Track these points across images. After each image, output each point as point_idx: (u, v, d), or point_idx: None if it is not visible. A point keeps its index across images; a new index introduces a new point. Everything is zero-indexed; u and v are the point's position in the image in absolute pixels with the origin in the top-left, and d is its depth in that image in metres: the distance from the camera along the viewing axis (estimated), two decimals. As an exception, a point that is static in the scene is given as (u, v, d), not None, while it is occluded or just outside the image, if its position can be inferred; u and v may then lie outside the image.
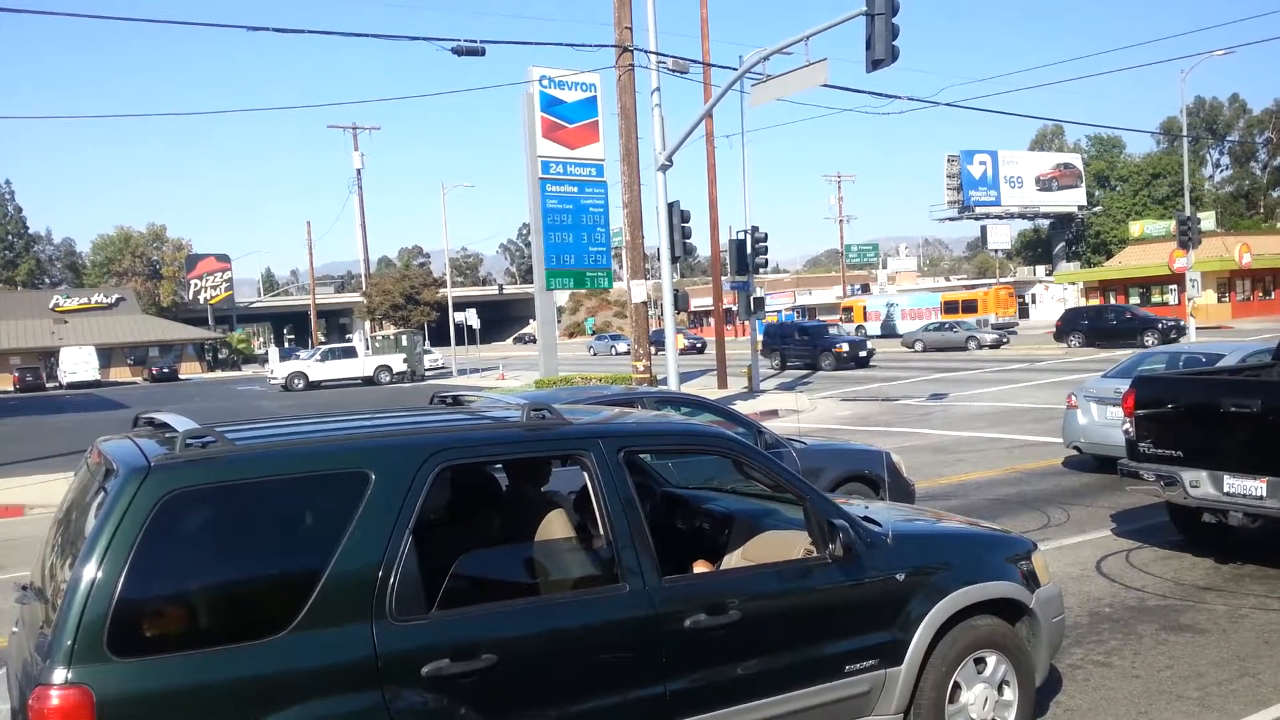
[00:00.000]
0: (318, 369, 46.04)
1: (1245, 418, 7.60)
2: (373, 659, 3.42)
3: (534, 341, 48.79)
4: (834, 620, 4.40)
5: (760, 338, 33.84)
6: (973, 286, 73.64)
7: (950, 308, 60.53)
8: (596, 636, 3.88)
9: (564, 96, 26.81)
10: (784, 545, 4.64)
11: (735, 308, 30.00)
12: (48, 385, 61.56)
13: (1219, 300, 55.60)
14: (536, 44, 46.41)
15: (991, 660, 4.74)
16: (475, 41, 18.18)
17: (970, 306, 59.13)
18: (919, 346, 48.00)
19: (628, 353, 23.69)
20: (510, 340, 48.76)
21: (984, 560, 4.92)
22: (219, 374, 71.62)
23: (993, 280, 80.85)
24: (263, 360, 73.93)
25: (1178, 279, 38.28)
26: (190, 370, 71.25)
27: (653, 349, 26.21)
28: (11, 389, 60.09)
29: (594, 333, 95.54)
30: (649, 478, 5.93)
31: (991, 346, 44.43)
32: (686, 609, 4.01)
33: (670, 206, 20.75)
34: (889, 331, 63.11)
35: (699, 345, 57.41)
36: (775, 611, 4.28)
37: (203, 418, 3.95)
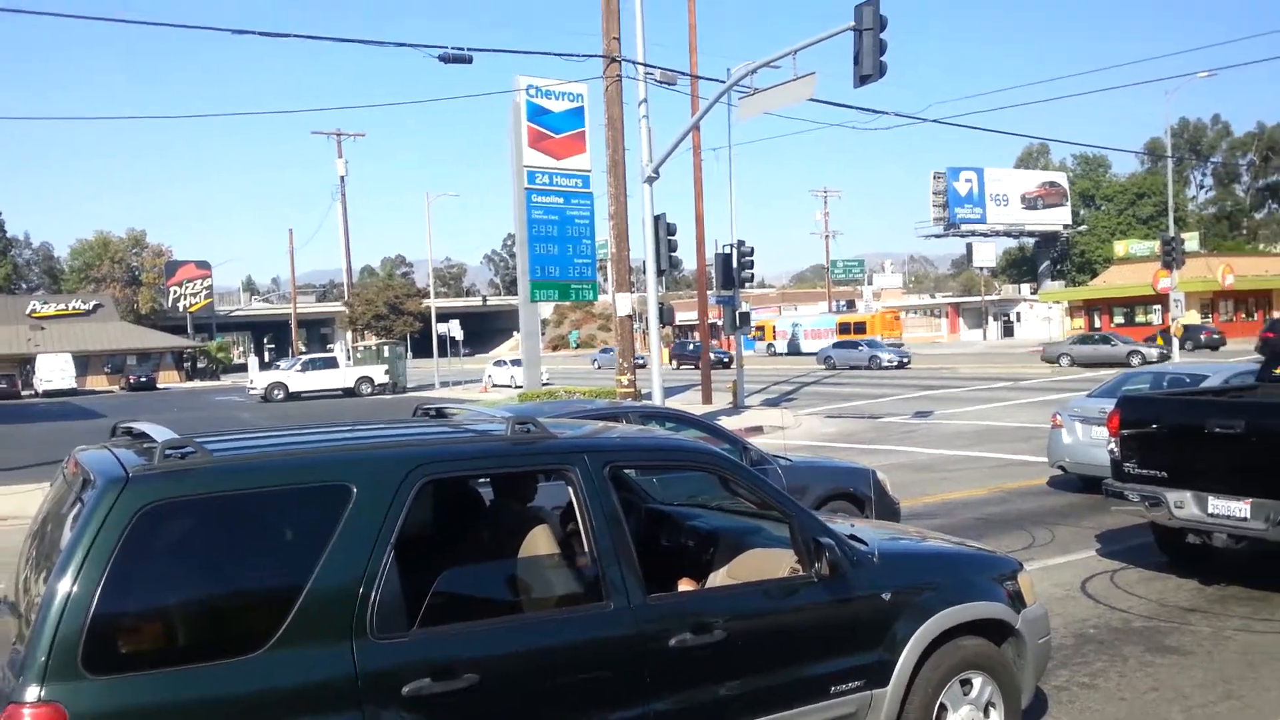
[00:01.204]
0: (298, 379, 45.72)
1: (1229, 439, 7.62)
2: (352, 678, 3.35)
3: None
4: (820, 640, 4.35)
5: (728, 354, 32.37)
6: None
7: (844, 328, 67.89)
8: (580, 655, 3.82)
9: (551, 106, 26.80)
10: (770, 563, 4.59)
11: (720, 321, 29.98)
12: (23, 393, 60.88)
13: (1203, 320, 56.06)
14: (524, 53, 46.40)
15: (978, 681, 4.70)
16: (462, 49, 18.10)
17: (860, 328, 66.27)
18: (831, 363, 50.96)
19: (642, 365, 23.59)
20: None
21: (970, 580, 4.88)
22: (197, 383, 71.04)
23: (883, 304, 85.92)
24: (242, 370, 73.44)
25: (1162, 299, 38.55)
26: (168, 379, 70.69)
27: (674, 363, 25.90)
28: (-14, 396, 59.45)
29: (577, 345, 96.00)
30: (634, 493, 5.87)
31: (898, 366, 47.79)
32: (671, 628, 3.95)
33: (656, 219, 20.75)
34: (794, 349, 71.76)
35: (725, 360, 44.96)
36: (761, 631, 4.24)
37: (181, 428, 3.88)
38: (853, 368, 49.10)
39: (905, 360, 49.03)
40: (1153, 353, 40.58)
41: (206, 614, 3.38)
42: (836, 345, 55.50)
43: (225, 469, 3.52)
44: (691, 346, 58.40)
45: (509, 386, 46.09)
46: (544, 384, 38.70)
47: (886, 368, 47.89)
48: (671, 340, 71.10)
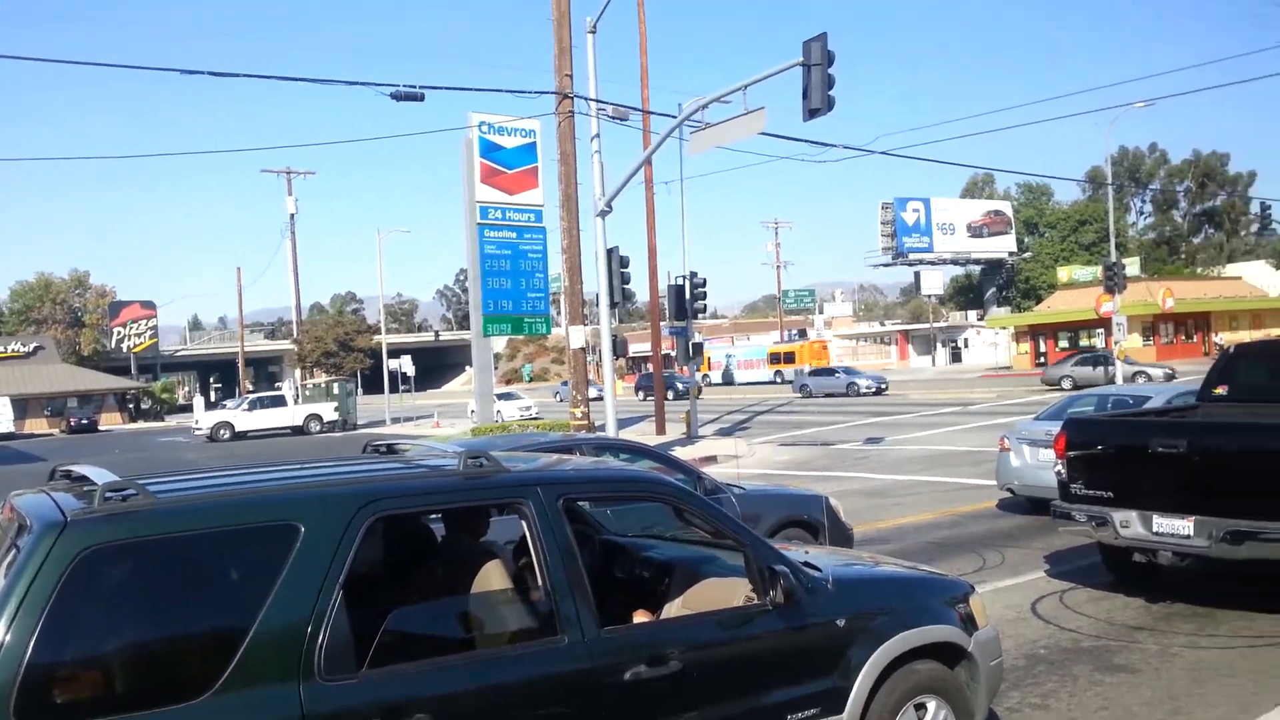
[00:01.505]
0: (245, 419, 44.96)
1: (1172, 458, 7.78)
2: (300, 721, 3.28)
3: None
4: (775, 668, 4.35)
5: (694, 383, 32.85)
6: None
7: (775, 359, 70.32)
8: (534, 691, 3.78)
9: (503, 142, 26.88)
10: (725, 592, 4.59)
11: (674, 353, 30.11)
12: (-42, 438, 59.19)
13: (1144, 343, 57.34)
14: (476, 90, 46.48)
15: (932, 705, 4.72)
16: (414, 87, 18.12)
17: (790, 358, 68.22)
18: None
19: (598, 398, 23.56)
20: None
21: (923, 604, 4.92)
22: (141, 425, 69.45)
23: (812, 337, 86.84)
24: (188, 410, 72.02)
25: (1105, 323, 39.34)
26: (111, 421, 68.99)
27: (640, 394, 25.44)
28: (-79, 441, 57.69)
29: (530, 379, 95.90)
30: (588, 526, 5.85)
31: (876, 392, 47.82)
32: (626, 661, 3.93)
33: (609, 252, 20.83)
34: (728, 380, 72.76)
35: (688, 390, 43.87)
36: (716, 661, 4.22)
37: (123, 470, 3.80)
38: (828, 395, 49.13)
39: (883, 386, 49.25)
40: (1158, 372, 39.17)
41: (148, 660, 3.29)
42: (813, 373, 55.08)
43: (168, 511, 3.45)
44: (658, 377, 57.80)
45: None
46: (532, 416, 38.70)
47: (865, 393, 48.10)
48: (627, 372, 71.31)
